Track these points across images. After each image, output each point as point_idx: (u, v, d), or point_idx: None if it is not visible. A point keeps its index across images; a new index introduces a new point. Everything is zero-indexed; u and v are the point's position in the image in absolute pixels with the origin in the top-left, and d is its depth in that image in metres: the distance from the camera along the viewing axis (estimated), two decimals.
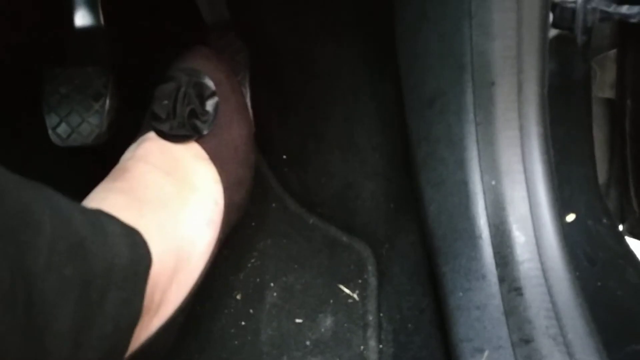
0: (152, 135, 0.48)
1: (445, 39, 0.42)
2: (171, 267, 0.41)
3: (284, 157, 0.62)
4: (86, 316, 0.31)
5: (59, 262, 0.29)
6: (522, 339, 0.37)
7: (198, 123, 0.48)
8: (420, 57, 0.45)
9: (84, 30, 0.57)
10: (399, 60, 0.49)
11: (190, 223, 0.45)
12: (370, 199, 0.57)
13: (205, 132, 0.48)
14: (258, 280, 0.54)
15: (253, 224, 0.58)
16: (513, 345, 0.37)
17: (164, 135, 0.47)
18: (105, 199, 0.41)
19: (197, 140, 0.48)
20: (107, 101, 0.55)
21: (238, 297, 0.53)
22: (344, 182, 0.58)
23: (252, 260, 0.56)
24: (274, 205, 0.60)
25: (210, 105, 0.49)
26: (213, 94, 0.49)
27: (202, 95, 0.49)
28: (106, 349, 0.33)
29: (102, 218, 0.35)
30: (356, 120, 0.58)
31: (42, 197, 0.30)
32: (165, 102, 0.47)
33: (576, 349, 0.36)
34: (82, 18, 0.57)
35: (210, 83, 0.49)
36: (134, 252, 0.36)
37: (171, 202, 0.44)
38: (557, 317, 0.37)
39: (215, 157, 0.48)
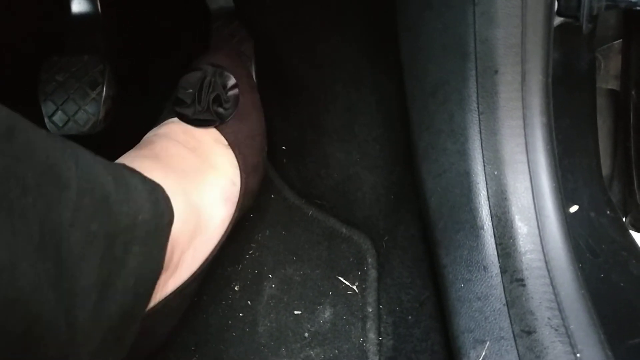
0: (174, 119, 0.51)
1: (449, 27, 0.41)
2: (191, 229, 0.43)
3: (284, 148, 0.61)
4: (110, 270, 0.32)
5: (85, 217, 0.30)
6: (524, 330, 0.36)
7: (221, 110, 0.51)
8: (422, 46, 0.44)
9: (80, 18, 0.57)
10: (401, 50, 0.48)
11: (210, 195, 0.47)
12: (370, 190, 0.56)
13: (227, 119, 0.51)
14: (256, 271, 0.54)
15: (252, 215, 0.57)
16: (515, 336, 0.37)
17: (187, 119, 0.50)
18: (132, 162, 0.42)
19: (218, 127, 0.51)
20: (104, 89, 0.54)
21: (236, 288, 0.53)
22: (344, 174, 0.58)
23: (251, 252, 0.55)
24: (272, 196, 0.59)
25: (231, 95, 0.52)
26: (235, 86, 0.53)
27: (226, 85, 0.52)
28: (128, 302, 0.34)
29: (126, 173, 0.36)
30: (357, 112, 0.58)
31: (69, 152, 0.30)
32: (190, 90, 0.50)
33: (578, 340, 0.35)
34: (78, 5, 0.56)
35: (232, 76, 0.53)
36: (156, 207, 0.37)
37: (193, 174, 0.46)
38: (560, 309, 0.36)
39: (234, 143, 0.51)
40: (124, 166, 0.38)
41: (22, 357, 0.26)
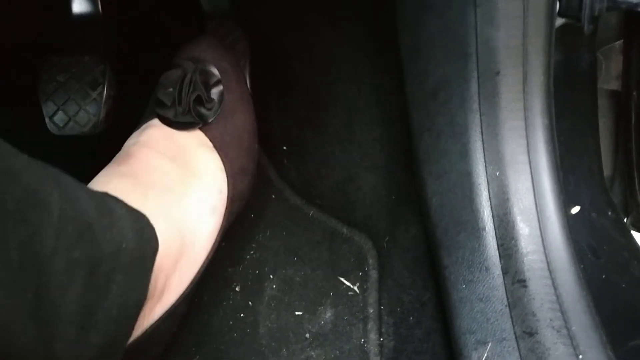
0: (155, 122, 0.48)
1: (450, 28, 0.41)
2: (175, 252, 0.41)
3: (284, 148, 0.61)
4: (93, 300, 0.31)
5: (67, 245, 0.29)
6: (526, 332, 0.37)
7: (203, 110, 0.47)
8: (423, 47, 0.44)
9: (81, 18, 0.57)
10: (401, 50, 0.48)
11: (194, 210, 0.44)
12: (371, 191, 0.56)
13: (210, 120, 0.48)
14: (257, 272, 0.54)
15: (252, 215, 0.57)
16: (517, 337, 0.37)
17: (169, 122, 0.47)
18: (110, 182, 0.41)
19: (201, 129, 0.48)
20: (105, 90, 0.54)
21: (237, 289, 0.53)
22: (345, 174, 0.57)
23: (251, 252, 0.55)
24: (273, 197, 0.59)
25: (215, 93, 0.49)
26: (218, 82, 0.49)
27: (208, 83, 0.49)
28: (111, 333, 0.33)
29: (109, 201, 0.35)
30: (357, 112, 0.58)
31: (51, 178, 0.30)
32: (170, 89, 0.47)
33: (580, 341, 0.35)
34: (79, 5, 0.56)
35: (215, 71, 0.49)
36: (140, 236, 0.36)
37: (175, 188, 0.44)
38: (562, 310, 0.36)
39: (220, 146, 0.48)
40: (107, 194, 0.36)
41: None
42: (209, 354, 0.49)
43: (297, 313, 0.51)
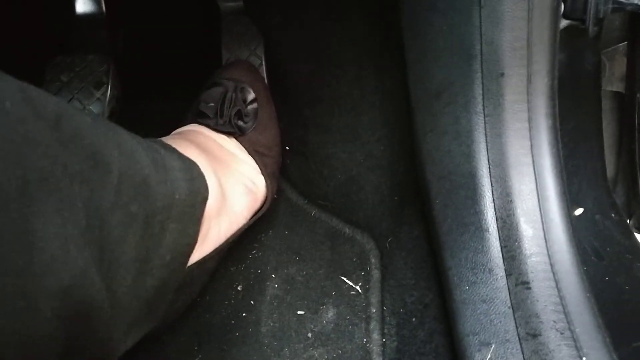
0: (194, 126, 0.53)
1: (454, 30, 0.41)
2: (218, 205, 0.45)
3: (287, 148, 0.61)
4: (148, 248, 0.34)
5: (125, 200, 0.31)
6: (529, 333, 0.36)
7: (241, 123, 0.54)
8: (428, 48, 0.44)
9: (85, 18, 0.57)
10: (406, 51, 0.48)
11: (234, 183, 0.49)
12: (373, 191, 0.56)
13: (247, 132, 0.54)
14: (259, 271, 0.54)
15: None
16: (520, 339, 0.37)
17: (211, 127, 0.52)
18: (167, 141, 0.44)
19: (237, 138, 0.54)
20: (109, 89, 0.54)
21: (239, 288, 0.53)
22: (348, 175, 0.57)
23: (254, 252, 0.55)
24: (275, 196, 0.59)
25: (251, 109, 0.55)
26: (254, 101, 0.56)
27: (246, 100, 0.55)
28: (163, 276, 0.36)
29: (164, 153, 0.38)
30: (360, 112, 0.58)
31: (112, 137, 0.32)
32: (212, 104, 0.53)
33: (584, 343, 0.35)
34: (83, 5, 0.56)
35: (251, 91, 0.56)
36: (192, 185, 0.39)
37: (219, 160, 0.49)
38: (565, 312, 0.36)
39: (253, 153, 0.54)
40: (162, 144, 0.40)
41: (75, 336, 0.28)
42: (211, 353, 0.49)
43: (299, 312, 0.51)
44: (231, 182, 0.49)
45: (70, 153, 0.28)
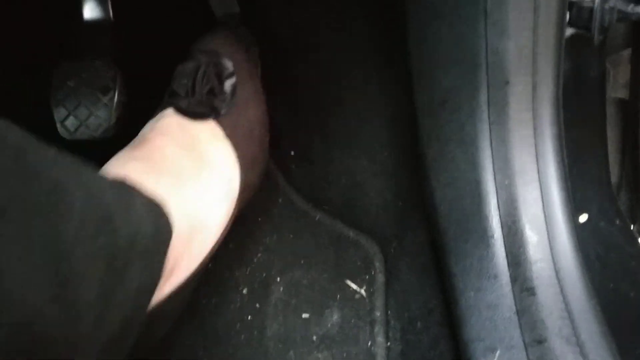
0: (170, 111, 0.49)
1: (460, 38, 0.41)
2: (186, 235, 0.43)
3: (291, 153, 0.61)
4: (112, 284, 0.33)
5: (89, 235, 0.30)
6: (535, 339, 0.37)
7: (216, 102, 0.48)
8: (432, 55, 0.44)
9: (92, 23, 0.57)
10: (411, 58, 0.48)
11: (206, 196, 0.46)
12: (378, 197, 0.56)
13: (222, 112, 0.49)
14: (264, 275, 0.54)
15: (259, 219, 0.57)
16: (525, 345, 0.37)
17: (183, 111, 0.48)
18: (125, 165, 0.42)
19: (215, 119, 0.49)
20: (116, 95, 0.54)
21: (244, 291, 0.53)
22: (352, 180, 0.58)
23: (258, 255, 0.56)
24: (280, 200, 0.59)
25: (228, 85, 0.50)
26: (231, 75, 0.50)
27: (221, 75, 0.50)
28: (128, 312, 0.35)
29: (128, 190, 0.37)
30: (365, 118, 0.58)
31: (75, 173, 0.31)
32: (185, 81, 0.48)
33: (589, 350, 0.36)
34: (90, 11, 0.57)
35: (229, 64, 0.50)
36: (157, 224, 0.38)
37: (188, 174, 0.45)
38: (571, 318, 0.37)
39: (232, 136, 0.49)
40: (125, 182, 0.38)
41: None
42: (216, 356, 0.50)
43: (304, 316, 0.51)
44: (203, 197, 0.45)
45: (30, 187, 0.27)
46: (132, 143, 0.47)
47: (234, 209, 0.49)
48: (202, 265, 0.45)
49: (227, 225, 0.48)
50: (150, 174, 0.42)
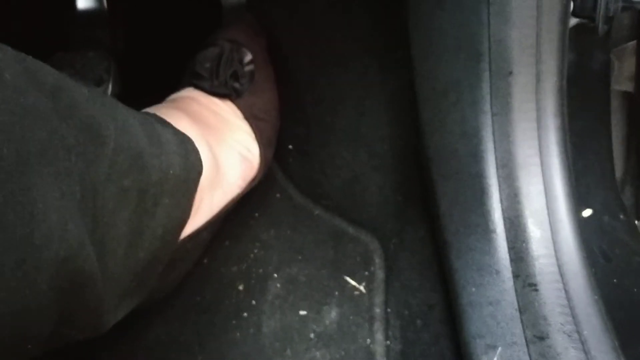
0: (191, 89, 0.52)
1: (462, 27, 0.40)
2: (211, 178, 0.45)
3: (289, 147, 0.61)
4: (140, 221, 0.34)
5: (120, 173, 0.31)
6: (537, 336, 0.36)
7: (237, 85, 0.53)
8: (434, 45, 0.44)
9: (86, 14, 0.57)
10: (412, 49, 0.47)
11: (228, 152, 0.49)
12: (377, 191, 0.56)
13: (243, 94, 0.53)
14: (261, 271, 0.53)
15: (256, 214, 0.57)
16: (527, 341, 0.36)
17: (205, 91, 0.51)
18: (158, 111, 0.44)
19: (233, 101, 0.52)
20: (110, 86, 0.54)
21: (240, 287, 0.53)
22: (351, 174, 0.57)
23: (255, 251, 0.55)
24: (278, 195, 0.59)
25: (248, 70, 0.54)
26: (251, 62, 0.54)
27: (242, 60, 0.54)
28: (155, 250, 0.36)
29: (159, 127, 0.38)
30: (364, 111, 0.57)
31: (109, 110, 0.32)
32: (208, 64, 0.52)
33: (592, 346, 0.35)
34: (84, 1, 0.56)
35: (248, 52, 0.54)
36: (186, 160, 0.39)
37: (214, 127, 0.49)
38: (573, 314, 0.36)
39: (250, 117, 0.53)
40: (157, 119, 0.40)
41: (68, 308, 0.28)
42: (212, 353, 0.49)
43: (301, 312, 0.51)
44: (225, 152, 0.48)
45: (67, 125, 0.28)
46: (160, 104, 0.49)
47: (254, 178, 0.52)
48: (221, 214, 0.48)
49: (242, 190, 0.51)
50: (183, 119, 0.44)
